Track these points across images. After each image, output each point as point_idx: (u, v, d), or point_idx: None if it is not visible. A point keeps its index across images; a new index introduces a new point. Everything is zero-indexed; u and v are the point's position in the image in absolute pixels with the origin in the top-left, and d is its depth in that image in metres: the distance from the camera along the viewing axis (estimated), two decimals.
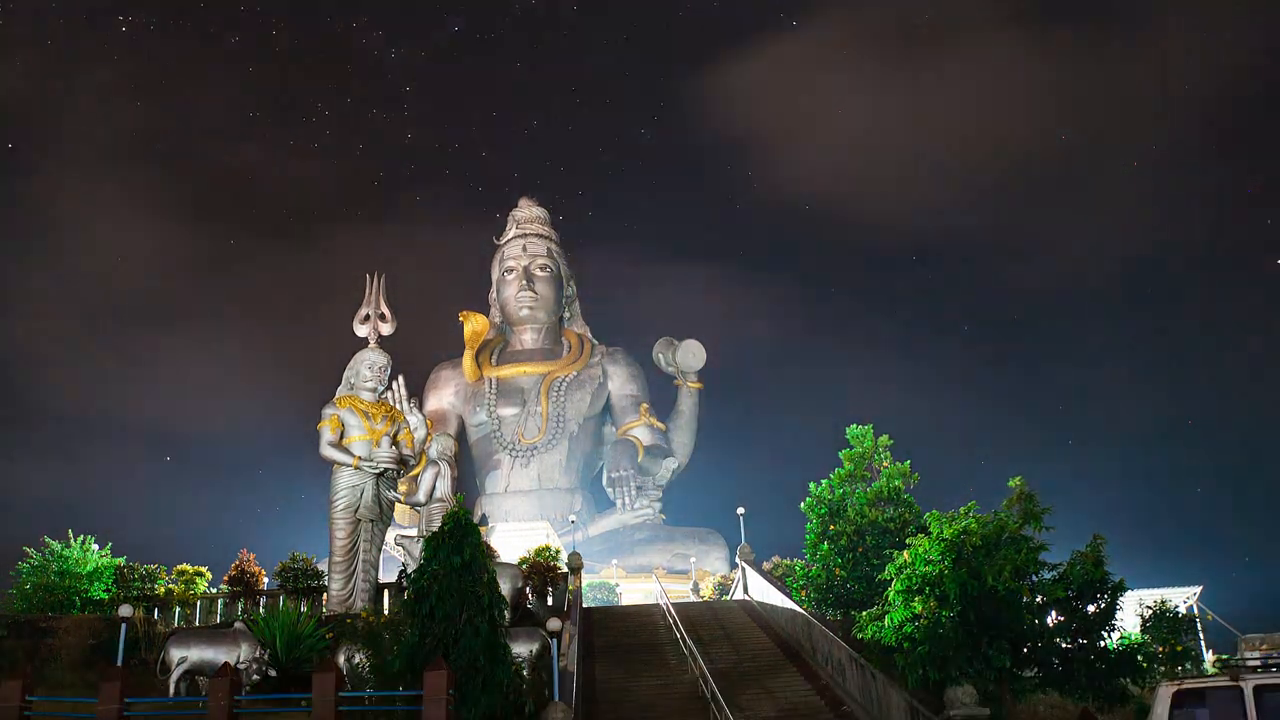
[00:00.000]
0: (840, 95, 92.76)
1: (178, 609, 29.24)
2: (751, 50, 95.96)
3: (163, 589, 29.59)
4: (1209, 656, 27.84)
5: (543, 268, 54.03)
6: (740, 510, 37.72)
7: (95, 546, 29.74)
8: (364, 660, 21.32)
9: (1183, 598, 31.80)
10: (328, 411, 28.36)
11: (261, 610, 27.77)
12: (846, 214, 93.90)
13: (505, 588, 23.95)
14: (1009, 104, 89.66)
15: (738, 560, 35.60)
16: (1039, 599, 20.48)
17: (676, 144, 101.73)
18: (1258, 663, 13.96)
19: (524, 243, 54.48)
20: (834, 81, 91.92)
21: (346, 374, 29.48)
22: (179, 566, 30.70)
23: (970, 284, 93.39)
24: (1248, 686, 13.29)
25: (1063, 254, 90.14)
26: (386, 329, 30.20)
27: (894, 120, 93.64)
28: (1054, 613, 20.93)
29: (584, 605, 30.16)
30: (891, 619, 20.73)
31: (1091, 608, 20.56)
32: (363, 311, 30.41)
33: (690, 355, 52.65)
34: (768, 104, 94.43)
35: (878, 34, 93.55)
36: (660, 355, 53.46)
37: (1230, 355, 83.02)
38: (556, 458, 51.08)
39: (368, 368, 29.12)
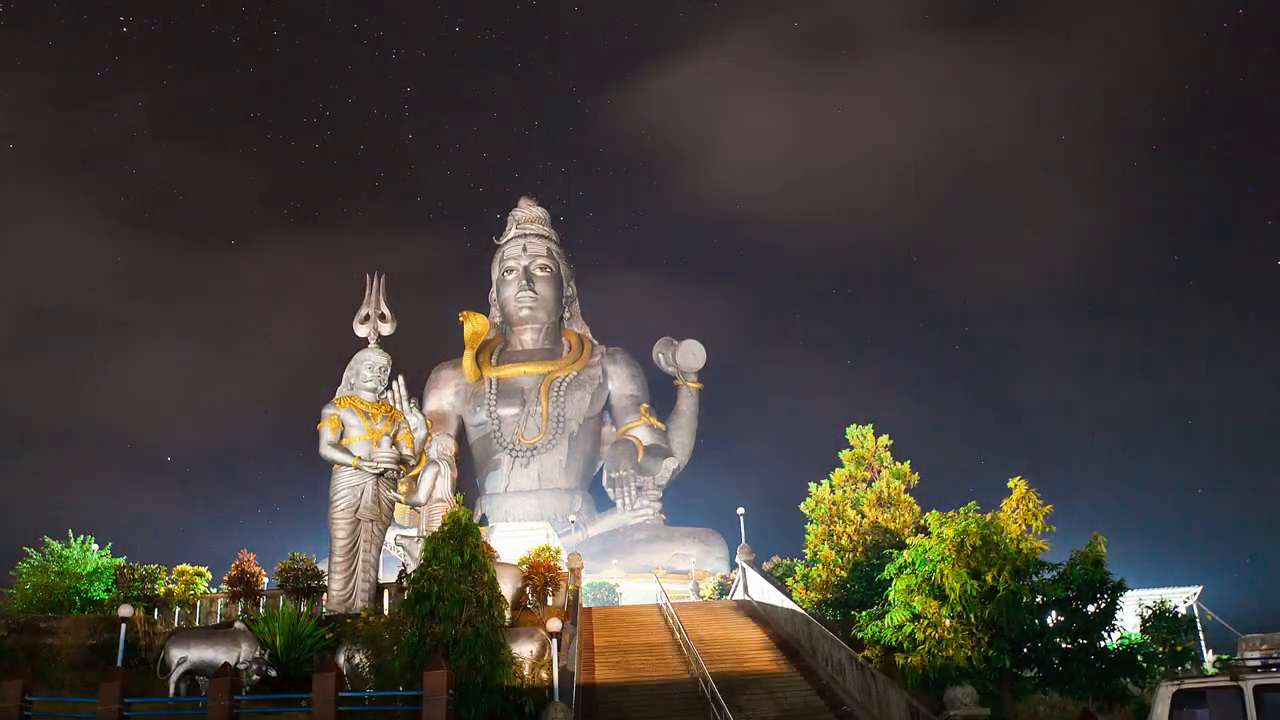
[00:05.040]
0: (757, 107, 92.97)
1: (178, 609, 29.22)
2: (670, 66, 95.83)
3: (162, 589, 29.58)
4: (1209, 656, 27.86)
5: (543, 268, 54.00)
6: (740, 510, 37.77)
7: (95, 546, 29.74)
8: (364, 660, 21.32)
9: (1182, 598, 31.81)
10: (328, 411, 28.36)
11: (261, 610, 27.75)
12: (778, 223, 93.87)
13: (505, 588, 23.96)
14: (930, 110, 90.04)
15: (738, 560, 35.59)
16: (1039, 599, 20.49)
17: (616, 156, 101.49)
18: (1258, 663, 13.93)
19: (524, 243, 54.44)
20: (750, 93, 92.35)
21: (346, 374, 29.46)
22: (179, 567, 30.69)
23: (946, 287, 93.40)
24: (1248, 686, 13.28)
25: (1021, 257, 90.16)
26: (386, 329, 30.17)
27: (816, 129, 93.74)
28: (1054, 613, 20.94)
29: (584, 605, 30.17)
30: (891, 619, 20.74)
31: (1091, 608, 20.57)
32: (362, 312, 30.39)
33: (690, 355, 52.63)
34: (691, 120, 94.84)
35: (790, 45, 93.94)
36: (660, 355, 53.44)
37: (1230, 356, 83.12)
38: (556, 458, 51.06)
39: (368, 368, 29.10)
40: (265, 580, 30.22)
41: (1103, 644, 20.43)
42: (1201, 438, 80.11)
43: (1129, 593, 21.77)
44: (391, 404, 30.66)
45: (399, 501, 29.57)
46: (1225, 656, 21.00)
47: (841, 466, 28.66)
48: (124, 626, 22.87)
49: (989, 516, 21.02)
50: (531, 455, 50.78)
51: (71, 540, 29.45)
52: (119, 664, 22.11)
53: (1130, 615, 26.48)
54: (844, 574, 26.49)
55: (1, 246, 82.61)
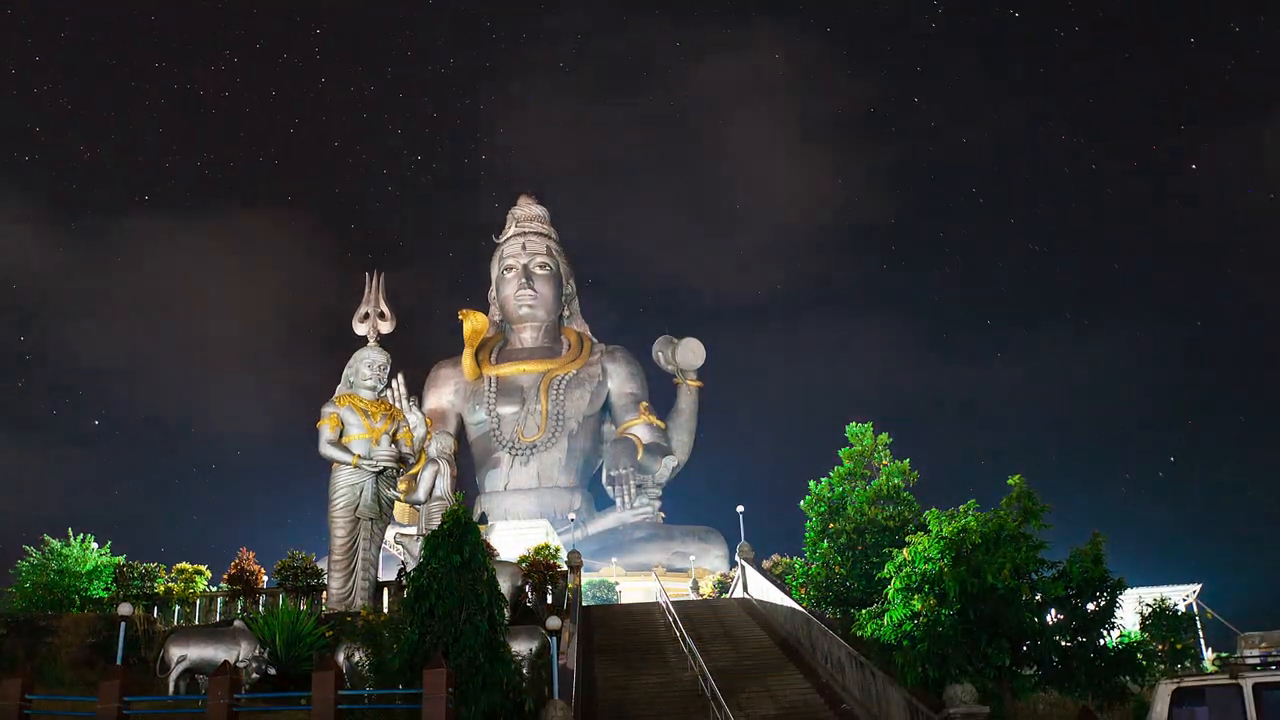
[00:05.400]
0: None
1: (177, 607, 29.23)
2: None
3: (162, 587, 29.60)
4: (1208, 654, 27.87)
5: (542, 266, 53.95)
6: (740, 509, 37.73)
7: (95, 545, 29.73)
8: (364, 658, 21.32)
9: (1182, 596, 31.80)
10: (327, 410, 28.34)
11: (261, 609, 27.77)
12: None
13: (505, 586, 23.95)
14: None
15: (737, 558, 35.58)
16: (1038, 597, 20.49)
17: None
18: (1257, 661, 13.95)
19: (523, 241, 54.40)
20: None
21: (346, 372, 29.45)
22: (178, 565, 30.71)
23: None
24: (1247, 684, 13.29)
25: None
26: (385, 327, 30.17)
27: None
28: (1053, 611, 20.95)
29: (583, 604, 30.16)
30: (891, 617, 20.74)
31: (1091, 605, 20.57)
32: (362, 310, 30.39)
33: (690, 353, 52.59)
34: None
35: None
36: (660, 353, 53.38)
37: (1228, 354, 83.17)
38: (556, 456, 51.04)
39: (367, 366, 29.09)
40: (265, 578, 30.22)
41: (1102, 642, 20.43)
42: (1201, 436, 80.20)
43: (1128, 591, 21.79)
44: (391, 402, 30.66)
45: (398, 500, 29.56)
46: (1225, 654, 21.01)
47: (841, 464, 28.65)
48: (123, 625, 22.86)
49: (989, 514, 21.01)
50: (531, 453, 50.76)
51: (71, 539, 29.44)
52: (118, 662, 22.10)
53: (1130, 613, 26.49)
54: (843, 572, 26.48)
55: None
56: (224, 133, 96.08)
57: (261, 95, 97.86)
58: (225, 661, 20.51)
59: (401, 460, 28.47)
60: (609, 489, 49.57)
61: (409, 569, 26.68)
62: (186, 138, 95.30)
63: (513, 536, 38.65)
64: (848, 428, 29.06)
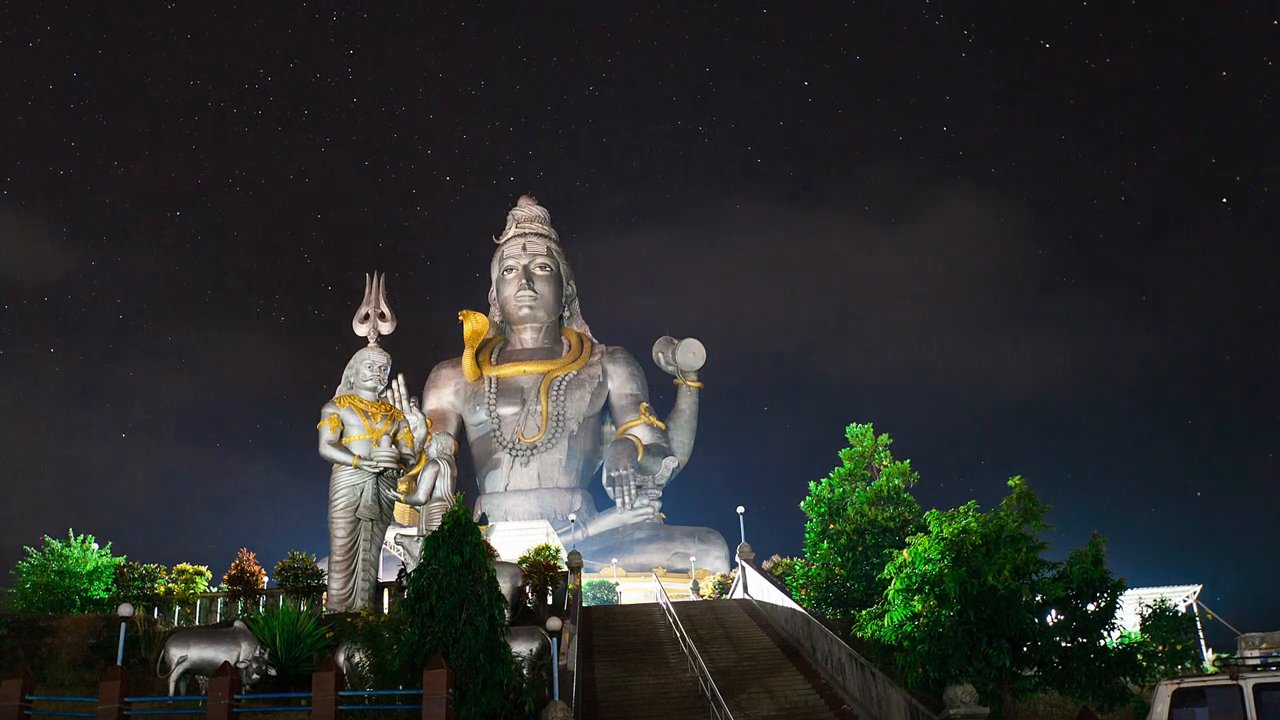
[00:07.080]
0: None
1: (177, 608, 29.25)
2: None
3: (162, 588, 29.62)
4: (1208, 655, 27.88)
5: (542, 267, 53.96)
6: (740, 509, 37.76)
7: (95, 546, 29.75)
8: (364, 659, 21.32)
9: (1182, 597, 31.80)
10: (327, 411, 28.34)
11: (261, 609, 27.78)
12: None
13: (505, 587, 23.96)
14: None
15: (737, 559, 35.60)
16: (1039, 598, 20.49)
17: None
18: (1257, 661, 13.97)
19: (523, 242, 54.40)
20: None
21: (346, 373, 29.45)
22: (179, 566, 30.74)
23: None
24: (1247, 685, 13.31)
25: None
26: (386, 328, 30.17)
27: None
28: (1054, 612, 20.94)
29: (584, 604, 30.18)
30: (891, 618, 20.73)
31: (1091, 606, 20.56)
32: (362, 311, 30.39)
33: (690, 354, 52.57)
34: None
35: None
36: (660, 354, 53.38)
37: (1229, 355, 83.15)
38: (556, 457, 51.05)
39: (367, 367, 29.09)
40: (265, 579, 30.23)
41: (1102, 643, 20.43)
42: (1201, 437, 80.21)
43: (1129, 592, 21.79)
44: (391, 403, 30.65)
45: (399, 500, 29.58)
46: (1225, 655, 21.02)
47: (841, 465, 28.65)
48: (124, 626, 22.87)
49: (989, 515, 21.01)
50: (531, 454, 50.76)
51: (71, 539, 29.46)
52: (119, 663, 22.11)
53: (1130, 614, 26.51)
54: (843, 573, 26.48)
55: None
56: (256, 152, 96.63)
57: (295, 114, 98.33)
58: (225, 662, 20.50)
59: (402, 461, 28.48)
60: (609, 490, 49.56)
61: (409, 570, 26.72)
62: (218, 155, 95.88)
63: (513, 537, 38.67)
64: (848, 428, 29.06)
